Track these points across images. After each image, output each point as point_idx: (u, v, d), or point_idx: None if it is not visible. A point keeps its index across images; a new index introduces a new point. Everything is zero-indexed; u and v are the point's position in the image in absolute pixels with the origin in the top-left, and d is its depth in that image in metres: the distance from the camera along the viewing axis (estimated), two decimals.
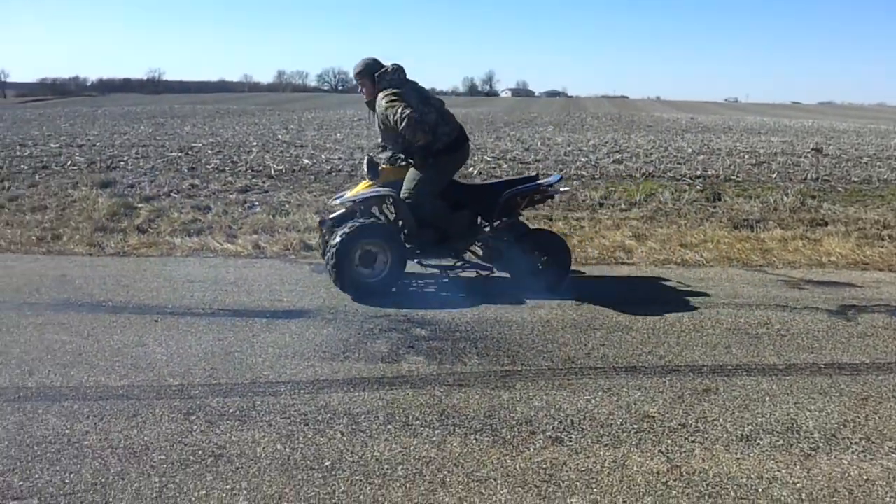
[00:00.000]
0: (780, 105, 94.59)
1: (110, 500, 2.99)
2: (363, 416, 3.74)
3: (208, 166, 14.19)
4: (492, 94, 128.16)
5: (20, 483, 3.12)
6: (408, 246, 6.13)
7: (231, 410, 3.81)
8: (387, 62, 6.23)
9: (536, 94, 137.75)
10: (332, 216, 6.40)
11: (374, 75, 6.14)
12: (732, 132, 27.18)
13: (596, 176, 13.09)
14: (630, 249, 7.70)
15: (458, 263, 6.46)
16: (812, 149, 18.26)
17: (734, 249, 7.78)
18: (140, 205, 10.02)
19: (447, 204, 6.17)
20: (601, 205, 10.37)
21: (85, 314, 5.47)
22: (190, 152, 16.47)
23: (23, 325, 5.27)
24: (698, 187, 11.82)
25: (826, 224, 9.22)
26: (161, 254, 7.68)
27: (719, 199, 10.76)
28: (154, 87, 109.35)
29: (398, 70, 6.17)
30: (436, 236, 6.13)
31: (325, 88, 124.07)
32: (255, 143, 19.00)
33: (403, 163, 6.15)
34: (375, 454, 3.36)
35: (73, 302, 5.79)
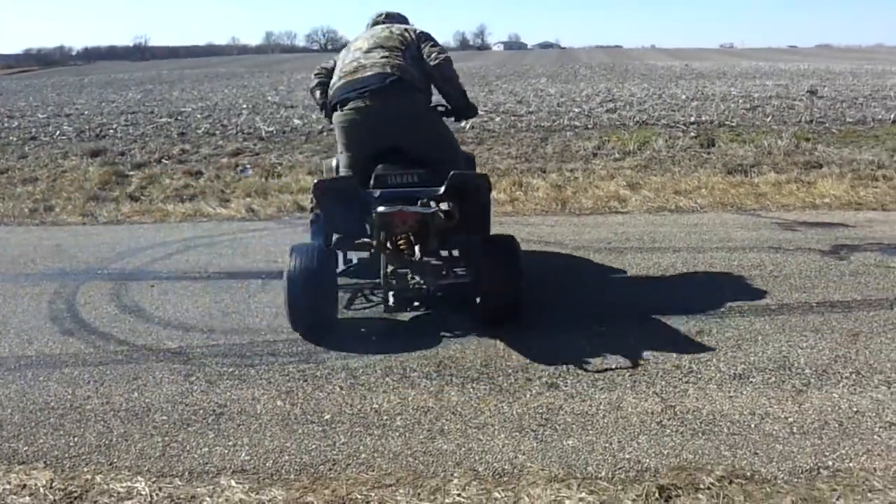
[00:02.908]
0: (777, 49, 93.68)
1: (114, 460, 3.04)
2: (361, 371, 3.79)
3: (198, 131, 14.10)
4: (483, 47, 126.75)
5: (25, 448, 3.17)
6: None
7: (230, 370, 3.85)
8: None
9: (529, 46, 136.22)
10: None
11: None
12: (727, 78, 26.96)
13: (589, 126, 13.03)
14: (624, 199, 7.71)
15: None
16: (807, 91, 18.17)
17: (728, 195, 7.78)
18: (131, 172, 10.00)
19: None
20: (595, 155, 10.34)
21: (81, 282, 5.49)
22: (179, 118, 16.35)
23: (20, 294, 5.29)
24: (692, 134, 11.77)
25: (820, 166, 9.21)
26: (154, 221, 7.68)
27: (713, 145, 10.73)
28: (140, 53, 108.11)
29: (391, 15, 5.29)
30: None
31: (315, 48, 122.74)
32: (244, 106, 18.85)
33: None
34: (374, 406, 3.41)
35: (68, 271, 5.82)
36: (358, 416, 3.33)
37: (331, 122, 4.74)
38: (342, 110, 4.51)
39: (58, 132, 14.67)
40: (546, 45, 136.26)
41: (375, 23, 5.08)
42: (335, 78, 4.69)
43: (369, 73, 4.47)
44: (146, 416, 3.40)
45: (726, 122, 13.15)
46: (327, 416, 3.33)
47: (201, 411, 3.42)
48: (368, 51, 4.63)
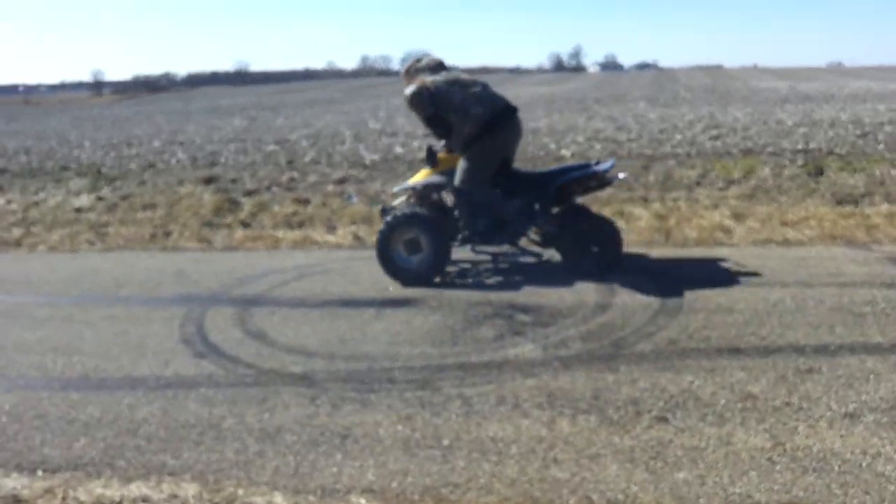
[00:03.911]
0: (889, 68, 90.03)
1: (252, 475, 3.31)
2: (475, 399, 3.97)
3: (305, 159, 14.68)
4: (579, 69, 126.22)
5: (172, 461, 3.48)
6: (463, 233, 6.39)
7: (352, 395, 4.10)
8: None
9: (625, 67, 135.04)
10: (394, 204, 6.73)
11: (409, 70, 6.45)
12: (835, 100, 26.18)
13: (692, 154, 12.93)
14: (729, 229, 7.67)
15: (512, 250, 6.65)
16: None
17: (838, 226, 7.64)
18: (243, 199, 10.51)
19: (501, 191, 6.29)
20: (698, 184, 10.28)
21: (207, 307, 5.88)
22: (286, 145, 17.04)
23: (152, 318, 5.71)
24: (799, 162, 11.55)
25: None
26: (267, 247, 8.09)
27: (822, 174, 10.50)
28: (241, 79, 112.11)
29: (429, 63, 6.45)
30: (490, 223, 6.30)
31: None
32: (347, 133, 19.47)
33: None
34: (489, 434, 3.59)
35: (194, 296, 6.22)
36: (475, 442, 3.51)
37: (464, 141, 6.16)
38: (495, 131, 6.16)
39: (173, 160, 15.51)
40: (643, 66, 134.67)
41: (440, 65, 6.48)
42: (474, 106, 6.15)
43: (503, 104, 6.35)
44: (278, 436, 3.67)
45: (835, 150, 12.83)
46: (446, 442, 3.52)
47: (328, 433, 3.67)
48: (485, 86, 6.38)
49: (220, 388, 4.31)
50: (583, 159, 12.82)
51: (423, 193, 6.50)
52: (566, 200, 6.41)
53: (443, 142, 6.49)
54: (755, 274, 6.07)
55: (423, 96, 6.16)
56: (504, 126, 6.30)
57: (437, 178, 6.40)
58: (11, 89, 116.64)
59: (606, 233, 6.31)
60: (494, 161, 6.28)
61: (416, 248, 6.19)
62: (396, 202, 6.76)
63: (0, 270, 8.00)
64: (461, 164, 6.22)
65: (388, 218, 6.26)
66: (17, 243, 9.13)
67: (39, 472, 3.48)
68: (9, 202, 11.78)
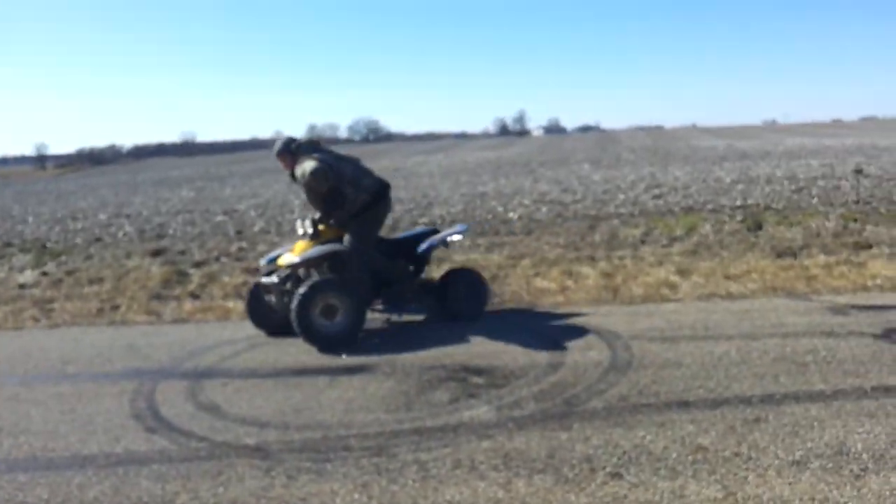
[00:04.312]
0: (821, 124, 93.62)
1: None
2: (431, 463, 3.97)
3: (254, 228, 14.69)
4: (524, 133, 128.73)
5: None
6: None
7: (307, 465, 4.06)
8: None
9: (569, 129, 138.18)
10: (269, 276, 6.94)
11: (291, 149, 6.94)
12: (771, 157, 27.18)
13: (636, 213, 13.28)
14: (674, 285, 7.86)
15: (386, 308, 7.12)
16: (853, 170, 18.23)
17: (778, 278, 7.89)
18: (192, 271, 10.43)
19: (383, 255, 6.92)
20: (643, 242, 10.54)
21: (157, 381, 5.80)
22: (234, 215, 17.03)
23: (101, 393, 5.61)
24: (739, 218, 11.93)
25: (870, 247, 9.28)
26: (217, 318, 8.01)
27: (761, 229, 10.86)
28: (188, 149, 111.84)
29: (311, 141, 7.11)
30: (378, 285, 6.84)
31: (357, 139, 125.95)
32: (296, 202, 19.53)
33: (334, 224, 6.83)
34: (447, 497, 3.59)
35: (144, 370, 6.13)
36: None
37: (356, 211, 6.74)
38: (381, 201, 6.88)
39: (120, 233, 15.36)
40: (586, 128, 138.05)
41: (317, 143, 7.19)
42: (363, 178, 6.88)
43: (380, 177, 7.12)
44: None
45: (772, 205, 13.29)
46: None
47: None
48: (360, 161, 7.18)
49: (173, 463, 4.24)
50: (530, 221, 13.07)
51: (316, 262, 6.73)
52: (427, 261, 7.35)
53: (318, 215, 6.91)
54: (701, 328, 6.22)
55: (325, 171, 6.63)
56: (386, 196, 7.02)
57: (328, 248, 6.69)
58: None
59: (473, 280, 7.22)
60: (378, 227, 7.04)
61: (333, 313, 6.39)
62: (273, 276, 6.92)
63: None
64: (352, 232, 6.74)
65: (306, 286, 6.39)
66: None
67: None
68: None
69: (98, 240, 14.83)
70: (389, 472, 3.90)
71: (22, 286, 10.34)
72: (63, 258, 12.38)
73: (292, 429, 4.61)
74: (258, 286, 7.05)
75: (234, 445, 4.42)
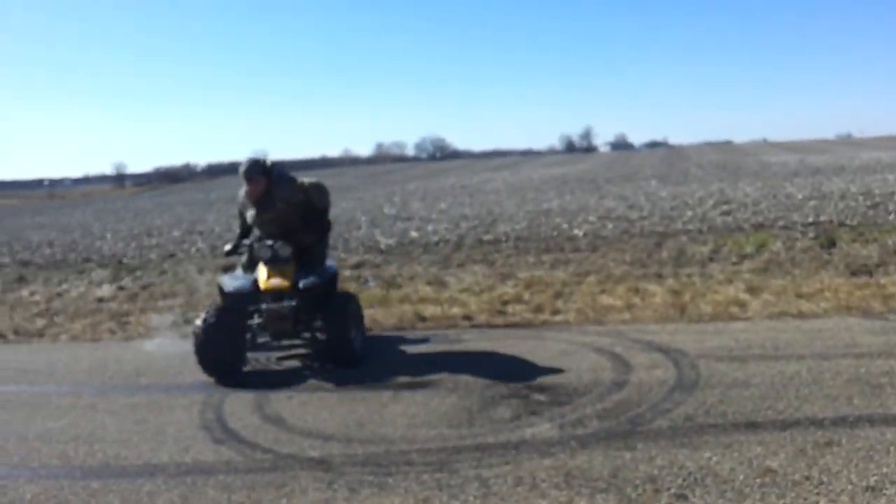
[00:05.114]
0: None
1: None
2: (493, 480, 3.96)
3: None
4: (590, 149, 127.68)
5: None
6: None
7: (369, 479, 4.10)
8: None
9: (636, 146, 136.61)
10: (279, 303, 6.35)
11: (265, 170, 6.71)
12: (845, 172, 26.39)
13: (704, 230, 13.05)
14: (744, 303, 7.68)
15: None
16: None
17: (853, 297, 7.64)
18: None
19: None
20: (711, 259, 10.35)
21: (226, 394, 5.92)
22: None
23: (172, 405, 5.76)
24: (811, 235, 11.63)
25: None
26: None
27: (834, 246, 10.56)
28: None
29: (274, 162, 6.96)
30: None
31: (423, 157, 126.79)
32: (363, 219, 19.78)
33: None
34: None
35: (212, 383, 6.23)
36: None
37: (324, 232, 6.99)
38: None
39: (193, 248, 15.77)
40: (653, 144, 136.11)
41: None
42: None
43: None
44: None
45: (846, 222, 12.91)
46: None
47: None
48: None
49: (239, 473, 4.33)
50: (596, 238, 12.97)
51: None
52: None
53: (271, 241, 6.61)
54: (771, 347, 6.07)
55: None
56: None
57: (331, 267, 7.18)
58: (37, 183, 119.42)
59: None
60: None
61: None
62: (278, 303, 6.38)
63: (23, 360, 8.09)
64: (319, 252, 6.93)
65: (341, 309, 6.47)
66: (40, 333, 9.25)
67: None
68: (32, 293, 11.97)
69: (171, 255, 15.27)
70: (450, 488, 3.91)
71: (100, 300, 10.72)
72: (138, 273, 12.79)
73: (355, 442, 4.66)
74: (236, 317, 6.43)
75: (298, 458, 4.49)
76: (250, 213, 6.85)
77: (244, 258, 6.94)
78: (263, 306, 6.39)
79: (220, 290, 6.89)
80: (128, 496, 4.15)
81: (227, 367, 6.30)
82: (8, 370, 7.59)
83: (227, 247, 7.17)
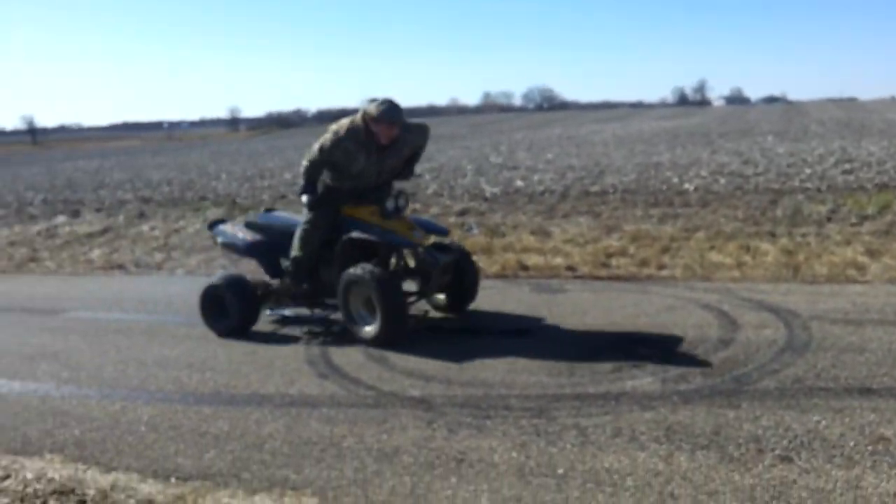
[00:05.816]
0: None
1: (370, 494, 3.42)
2: (591, 430, 3.95)
3: (427, 191, 15.01)
4: (704, 103, 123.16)
5: (294, 476, 3.64)
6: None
7: (468, 420, 4.16)
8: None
9: (752, 100, 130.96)
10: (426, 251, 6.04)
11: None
12: None
13: (822, 188, 12.45)
14: (863, 266, 7.32)
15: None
16: None
17: None
18: None
19: None
20: (829, 219, 9.89)
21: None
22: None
23: (280, 339, 5.97)
24: None
25: None
26: None
27: None
28: None
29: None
30: None
31: (531, 107, 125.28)
32: (469, 167, 19.76)
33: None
34: (605, 465, 3.56)
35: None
36: (590, 473, 3.50)
37: None
38: None
39: None
40: (771, 99, 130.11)
41: None
42: None
43: None
44: (395, 457, 3.77)
45: None
46: (560, 471, 3.53)
47: (444, 456, 3.74)
48: None
49: (342, 408, 4.47)
50: (707, 193, 12.58)
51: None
52: None
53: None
54: (890, 312, 5.77)
55: None
56: None
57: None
58: (156, 126, 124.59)
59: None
60: None
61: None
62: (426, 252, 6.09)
63: (142, 291, 8.55)
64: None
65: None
66: (159, 266, 9.73)
67: (172, 480, 3.70)
68: (152, 229, 12.58)
69: (282, 197, 15.69)
70: (548, 435, 3.92)
71: None
72: (250, 213, 13.18)
73: (456, 384, 4.73)
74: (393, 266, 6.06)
75: (399, 396, 4.60)
76: (360, 159, 5.82)
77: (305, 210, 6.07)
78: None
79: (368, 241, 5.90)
80: (236, 423, 4.35)
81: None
82: (129, 300, 8.04)
83: (306, 198, 5.96)
